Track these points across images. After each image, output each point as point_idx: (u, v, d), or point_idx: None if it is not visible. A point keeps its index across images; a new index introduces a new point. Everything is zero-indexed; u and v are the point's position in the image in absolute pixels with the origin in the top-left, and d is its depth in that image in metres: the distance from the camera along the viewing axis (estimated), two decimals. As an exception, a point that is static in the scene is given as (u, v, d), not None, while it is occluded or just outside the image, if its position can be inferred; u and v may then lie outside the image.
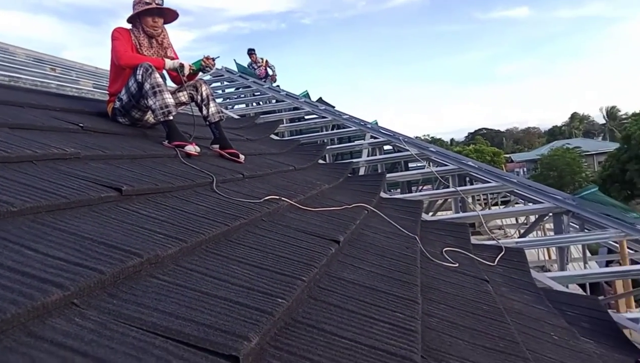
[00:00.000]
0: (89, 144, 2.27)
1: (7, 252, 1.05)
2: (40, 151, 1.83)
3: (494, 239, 4.91)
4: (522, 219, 10.58)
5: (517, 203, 10.86)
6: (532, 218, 9.31)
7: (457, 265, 2.84)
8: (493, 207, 12.86)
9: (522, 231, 8.60)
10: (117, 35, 3.07)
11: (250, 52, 10.88)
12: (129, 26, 3.20)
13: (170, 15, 3.26)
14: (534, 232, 7.40)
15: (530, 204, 5.24)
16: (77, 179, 1.71)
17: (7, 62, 3.99)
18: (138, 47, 3.15)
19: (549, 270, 7.40)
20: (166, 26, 3.30)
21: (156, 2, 3.12)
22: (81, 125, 2.58)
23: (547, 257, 8.59)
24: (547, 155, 37.66)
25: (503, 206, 13.13)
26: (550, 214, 4.94)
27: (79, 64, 6.06)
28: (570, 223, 4.92)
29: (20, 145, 1.82)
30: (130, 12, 3.16)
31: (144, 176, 2.08)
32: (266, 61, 10.92)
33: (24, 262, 1.03)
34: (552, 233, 6.21)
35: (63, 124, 2.49)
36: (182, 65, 3.16)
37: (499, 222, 10.21)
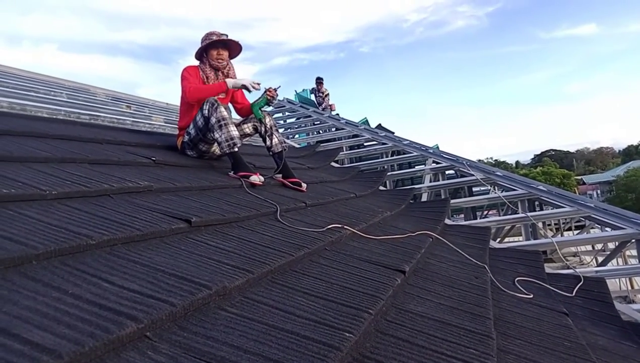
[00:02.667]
0: (160, 177, 2.37)
1: (86, 285, 1.10)
2: (117, 185, 1.93)
3: (569, 267, 4.59)
4: (599, 245, 9.87)
5: (592, 228, 10.18)
6: (611, 244, 8.67)
7: (531, 296, 2.67)
8: (566, 233, 12.12)
9: (600, 258, 8.01)
10: (186, 74, 3.24)
11: (319, 80, 11.06)
12: (197, 63, 3.36)
13: (234, 49, 3.39)
14: (614, 260, 6.87)
15: (610, 230, 4.87)
16: (149, 211, 1.78)
17: (88, 102, 4.30)
18: (205, 80, 3.30)
19: (633, 302, 6.81)
20: (232, 61, 3.43)
21: (220, 36, 3.27)
22: (153, 159, 2.72)
23: (629, 287, 7.93)
24: (623, 176, 35.27)
25: (577, 231, 12.34)
26: (633, 240, 4.57)
27: (152, 100, 6.44)
28: (658, 251, 4.51)
29: (99, 179, 1.93)
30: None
31: (211, 207, 2.14)
32: (327, 93, 11.11)
33: (100, 294, 1.07)
34: (635, 260, 5.73)
35: (137, 158, 2.63)
36: (244, 86, 3.23)
37: (573, 249, 9.58)
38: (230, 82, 3.25)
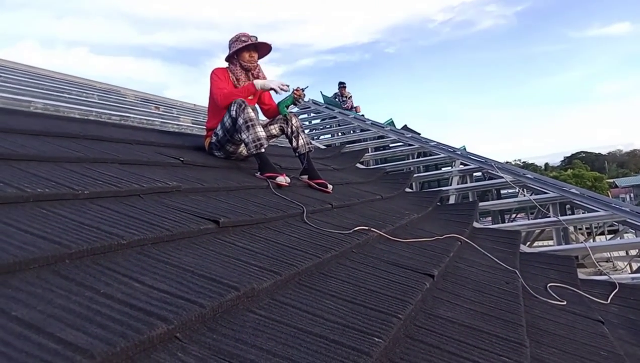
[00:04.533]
0: (188, 177, 2.39)
1: (117, 285, 1.11)
2: (147, 185, 1.95)
3: (603, 273, 4.44)
4: (633, 251, 9.55)
5: (626, 232, 9.85)
6: (647, 250, 8.36)
7: (564, 303, 2.59)
8: (598, 237, 11.78)
9: (635, 265, 7.74)
10: (215, 77, 3.27)
11: (342, 85, 11.12)
12: (225, 64, 3.39)
13: (263, 49, 3.41)
14: (651, 266, 6.62)
15: (646, 235, 4.70)
16: (178, 211, 1.79)
17: (119, 103, 4.39)
18: (235, 82, 3.32)
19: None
20: (259, 62, 3.45)
21: (250, 38, 3.30)
22: (182, 159, 2.74)
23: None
24: (659, 179, 34.06)
25: (610, 236, 11.97)
26: (672, 247, 4.39)
27: (180, 102, 6.53)
28: (698, 258, 4.33)
29: (129, 179, 1.96)
30: (226, 52, 3.36)
31: (238, 208, 2.14)
32: (350, 96, 11.11)
33: (131, 294, 1.07)
34: (673, 268, 5.51)
35: (166, 159, 2.66)
36: (273, 89, 3.27)
37: (605, 254, 9.29)
38: (258, 83, 3.27)
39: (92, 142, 2.50)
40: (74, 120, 3.09)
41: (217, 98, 3.20)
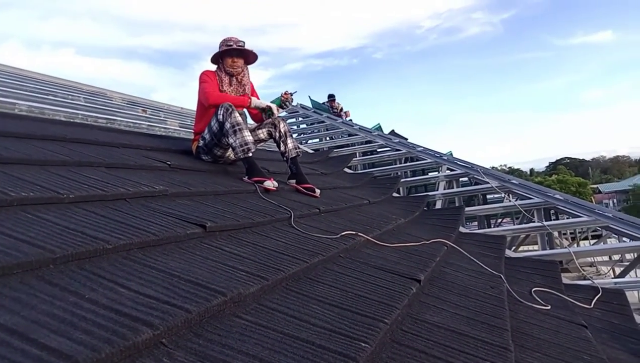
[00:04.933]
0: (175, 181, 2.38)
1: (102, 290, 1.10)
2: (133, 189, 1.94)
3: (586, 278, 4.50)
4: (616, 256, 9.69)
5: (609, 238, 10.00)
6: (629, 255, 8.51)
7: (549, 307, 2.62)
8: (582, 242, 11.95)
9: (618, 269, 7.87)
10: (205, 78, 3.26)
11: (331, 98, 11.11)
12: (213, 67, 3.38)
13: (250, 57, 3.41)
14: (633, 271, 6.73)
15: (628, 240, 4.78)
16: (165, 215, 1.78)
17: (105, 106, 4.35)
18: (221, 85, 3.32)
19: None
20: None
21: (237, 44, 3.29)
22: (168, 163, 2.73)
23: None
24: (641, 185, 34.67)
25: (594, 241, 12.15)
26: (653, 252, 4.47)
27: (167, 105, 6.49)
28: (678, 263, 4.42)
29: (115, 183, 1.94)
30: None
31: (226, 212, 2.14)
32: (341, 108, 11.11)
33: (117, 299, 1.06)
34: (655, 272, 5.62)
35: (152, 163, 2.64)
36: (269, 108, 3.32)
37: (589, 258, 9.43)
38: (254, 101, 3.31)
39: (77, 145, 2.47)
40: (59, 122, 3.06)
41: (208, 95, 3.18)
